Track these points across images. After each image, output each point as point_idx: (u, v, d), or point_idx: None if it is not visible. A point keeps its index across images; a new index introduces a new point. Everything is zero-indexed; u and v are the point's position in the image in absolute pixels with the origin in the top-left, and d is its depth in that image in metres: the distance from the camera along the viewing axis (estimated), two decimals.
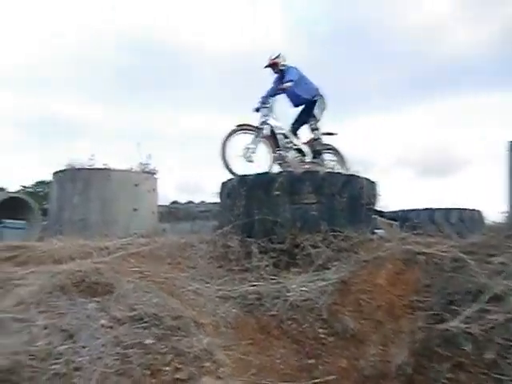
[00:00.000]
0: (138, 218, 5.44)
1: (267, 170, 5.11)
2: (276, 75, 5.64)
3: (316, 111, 5.55)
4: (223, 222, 4.20)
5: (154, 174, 6.04)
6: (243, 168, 5.27)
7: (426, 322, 2.54)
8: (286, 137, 5.48)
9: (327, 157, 5.69)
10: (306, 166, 5.24)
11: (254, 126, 5.29)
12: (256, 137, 5.27)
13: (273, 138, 5.44)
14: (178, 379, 2.12)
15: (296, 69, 5.59)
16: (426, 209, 6.73)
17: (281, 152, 5.41)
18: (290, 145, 5.48)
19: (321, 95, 5.61)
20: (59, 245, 4.04)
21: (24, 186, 23.60)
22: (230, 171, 5.17)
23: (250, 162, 5.24)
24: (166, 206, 6.98)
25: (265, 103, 5.44)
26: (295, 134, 5.63)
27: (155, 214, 5.96)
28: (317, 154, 5.60)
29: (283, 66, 5.54)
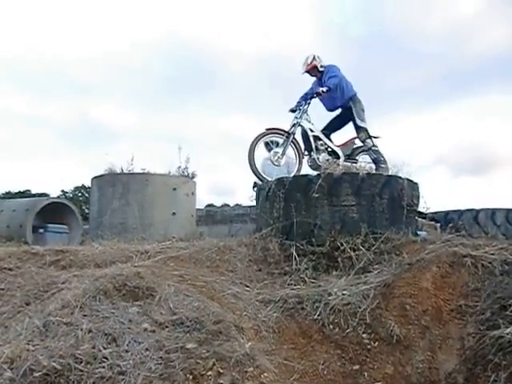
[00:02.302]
0: (176, 221, 5.49)
1: (295, 174, 5.01)
2: (315, 78, 5.51)
3: (358, 121, 5.31)
4: (261, 225, 4.19)
5: (193, 177, 6.09)
6: (272, 173, 5.19)
7: (476, 327, 2.43)
8: (319, 139, 5.34)
9: (365, 159, 5.52)
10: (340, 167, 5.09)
11: (283, 130, 5.17)
12: (285, 141, 5.14)
13: (305, 141, 5.32)
14: None
15: (336, 68, 5.40)
16: (469, 209, 6.47)
17: (312, 155, 5.28)
18: (323, 147, 5.32)
19: (357, 100, 5.38)
20: (100, 249, 4.13)
21: (64, 191, 24.40)
22: (258, 176, 5.08)
23: (278, 166, 5.11)
24: (203, 209, 7.01)
25: (299, 105, 5.33)
26: (328, 138, 5.46)
27: (193, 218, 6.00)
28: (354, 156, 5.46)
29: (322, 67, 5.40)
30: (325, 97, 5.34)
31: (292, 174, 5.03)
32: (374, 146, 5.32)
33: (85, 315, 2.49)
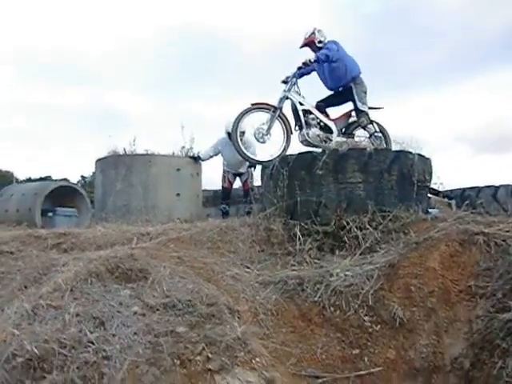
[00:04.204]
0: (181, 202, 5.40)
1: (282, 152, 4.74)
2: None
3: (358, 104, 4.93)
4: (266, 205, 4.06)
5: (199, 158, 5.96)
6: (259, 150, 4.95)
7: (486, 310, 2.27)
8: (309, 113, 4.93)
9: (361, 134, 5.11)
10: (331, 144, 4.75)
11: (270, 105, 4.81)
12: (272, 116, 4.78)
13: (295, 115, 4.94)
14: (209, 369, 2.00)
15: (336, 44, 4.99)
16: (488, 186, 6.18)
17: (303, 130, 4.89)
18: (315, 121, 4.92)
19: (359, 81, 4.99)
20: (102, 231, 4.08)
21: (83, 176, 24.64)
22: (243, 154, 4.87)
23: (263, 143, 4.80)
24: (211, 190, 6.90)
25: (290, 78, 4.92)
26: (322, 112, 5.06)
27: (199, 199, 5.91)
28: (351, 130, 5.10)
29: (320, 42, 4.99)
30: (326, 74, 5.01)
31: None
32: (376, 132, 4.97)
33: (75, 298, 2.43)
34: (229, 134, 5.95)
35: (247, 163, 5.98)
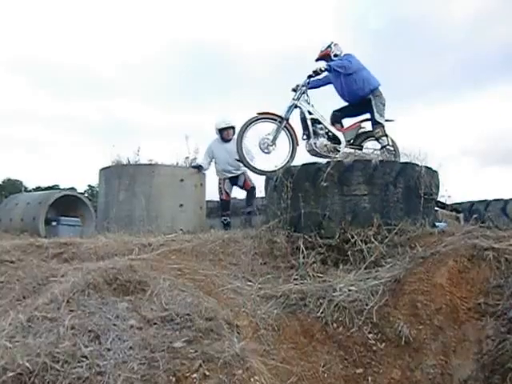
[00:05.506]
0: (184, 213, 5.34)
1: (286, 163, 4.65)
2: None
3: (377, 116, 4.84)
4: (269, 216, 4.00)
5: (202, 167, 5.90)
6: (264, 161, 4.79)
7: (496, 330, 2.17)
8: (318, 122, 4.85)
9: (370, 145, 5.05)
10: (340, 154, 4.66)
11: (276, 115, 4.72)
12: (278, 126, 4.69)
13: (303, 124, 4.86)
14: None
15: (352, 57, 4.93)
16: (497, 199, 6.07)
17: (310, 139, 4.80)
18: (323, 131, 4.83)
19: (378, 93, 4.92)
20: (104, 241, 4.02)
21: (90, 186, 24.72)
22: (247, 165, 4.78)
23: (267, 153, 4.70)
24: (215, 201, 6.83)
25: (299, 86, 4.85)
26: (334, 123, 4.99)
27: (203, 210, 5.84)
28: (360, 142, 5.01)
29: (336, 56, 4.95)
30: (344, 86, 4.94)
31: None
32: (388, 144, 4.87)
33: (71, 310, 2.37)
34: (220, 130, 5.99)
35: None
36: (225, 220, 5.94)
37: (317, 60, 5.10)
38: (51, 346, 2.05)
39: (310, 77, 4.81)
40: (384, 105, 4.94)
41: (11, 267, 3.67)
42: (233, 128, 5.97)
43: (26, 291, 3.14)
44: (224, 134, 6.00)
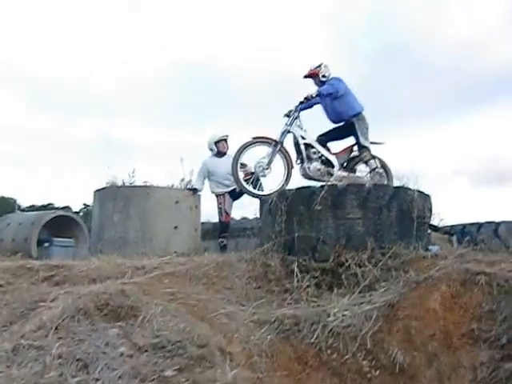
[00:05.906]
0: (179, 235, 5.31)
1: (282, 186, 4.68)
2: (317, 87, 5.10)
3: (361, 140, 4.93)
4: (263, 239, 3.99)
5: (197, 190, 5.89)
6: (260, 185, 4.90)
7: (490, 356, 2.15)
8: (311, 147, 4.93)
9: (363, 168, 5.07)
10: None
11: (271, 139, 4.80)
12: (273, 150, 4.77)
13: (297, 149, 4.95)
14: None
15: (340, 81, 5.03)
16: (489, 222, 6.09)
17: (304, 164, 4.88)
18: (316, 155, 4.92)
19: (362, 118, 5.01)
20: (96, 264, 3.97)
21: (86, 205, 24.57)
22: (244, 189, 4.80)
23: (263, 176, 4.82)
24: (210, 223, 6.81)
25: (292, 112, 4.94)
26: (324, 146, 5.04)
27: (197, 232, 5.81)
28: (353, 165, 5.05)
29: (324, 77, 5.04)
30: (329, 108, 5.04)
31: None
32: (377, 167, 4.95)
33: (59, 338, 2.31)
34: (216, 143, 5.99)
35: None
36: (221, 242, 5.90)
37: (305, 77, 5.19)
38: (36, 377, 1.99)
39: (301, 102, 4.91)
40: (367, 128, 5.03)
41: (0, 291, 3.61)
42: (226, 141, 6.04)
43: (13, 316, 3.05)
44: (220, 147, 6.01)
